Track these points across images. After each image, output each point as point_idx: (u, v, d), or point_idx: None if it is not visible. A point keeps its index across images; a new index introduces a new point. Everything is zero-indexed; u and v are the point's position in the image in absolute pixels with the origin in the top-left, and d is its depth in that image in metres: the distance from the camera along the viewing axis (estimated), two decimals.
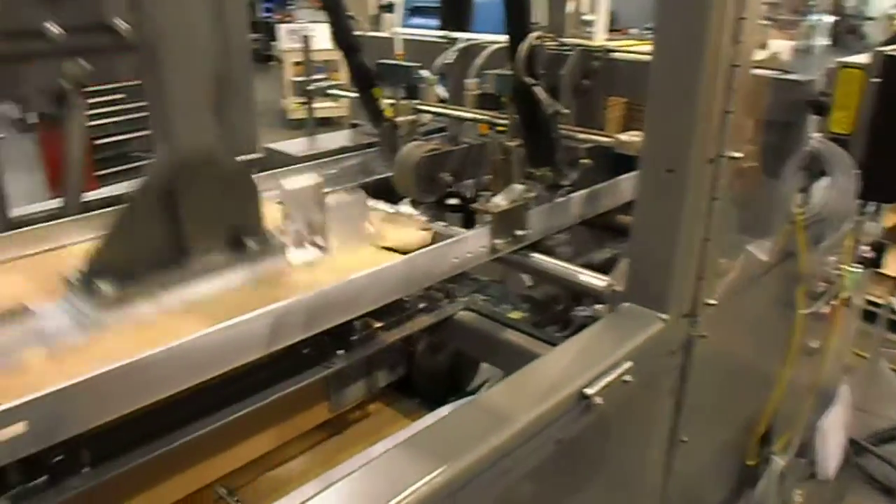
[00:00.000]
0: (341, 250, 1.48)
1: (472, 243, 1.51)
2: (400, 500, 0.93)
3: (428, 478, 0.95)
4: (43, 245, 1.50)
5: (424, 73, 2.08)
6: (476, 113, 1.96)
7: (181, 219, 1.27)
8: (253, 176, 1.41)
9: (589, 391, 1.17)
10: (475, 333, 1.72)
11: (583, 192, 1.78)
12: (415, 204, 1.81)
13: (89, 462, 1.16)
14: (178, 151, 1.24)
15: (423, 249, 1.45)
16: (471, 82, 1.95)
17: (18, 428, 0.91)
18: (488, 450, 1.02)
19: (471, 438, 1.03)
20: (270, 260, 1.40)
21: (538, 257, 1.68)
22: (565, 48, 1.92)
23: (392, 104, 2.02)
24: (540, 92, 1.58)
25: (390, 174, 1.90)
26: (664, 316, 1.39)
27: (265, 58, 11.75)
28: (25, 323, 1.16)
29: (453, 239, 1.48)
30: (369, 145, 2.21)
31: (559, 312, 1.85)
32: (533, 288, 1.92)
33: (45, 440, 0.95)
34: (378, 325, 1.57)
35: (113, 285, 1.19)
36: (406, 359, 1.87)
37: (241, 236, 1.36)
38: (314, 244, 1.45)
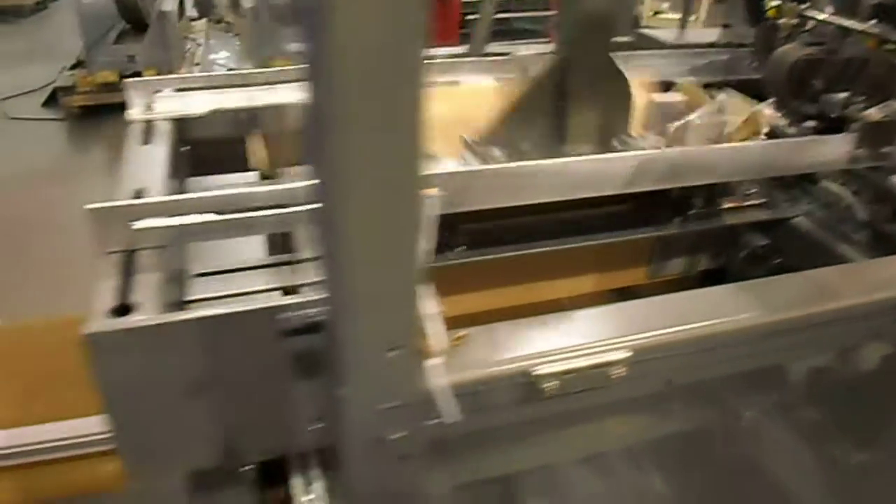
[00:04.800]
0: None
1: (832, 147, 1.51)
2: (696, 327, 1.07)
3: (734, 317, 1.08)
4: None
5: None
6: (866, 26, 1.85)
7: (565, 112, 1.49)
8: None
9: None
10: (807, 241, 1.71)
11: None
12: (777, 106, 1.82)
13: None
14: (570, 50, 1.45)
15: (782, 140, 1.50)
16: None
17: (434, 191, 1.21)
18: (801, 314, 1.10)
19: (788, 302, 1.12)
20: None
21: None
22: None
23: (777, 5, 1.99)
24: None
25: (755, 76, 1.90)
26: None
27: None
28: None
29: (814, 137, 1.51)
30: (740, 45, 2.21)
31: None
32: None
33: (449, 207, 1.25)
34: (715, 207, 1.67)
35: (500, 152, 1.47)
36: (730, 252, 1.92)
37: (610, 135, 1.55)
38: None
